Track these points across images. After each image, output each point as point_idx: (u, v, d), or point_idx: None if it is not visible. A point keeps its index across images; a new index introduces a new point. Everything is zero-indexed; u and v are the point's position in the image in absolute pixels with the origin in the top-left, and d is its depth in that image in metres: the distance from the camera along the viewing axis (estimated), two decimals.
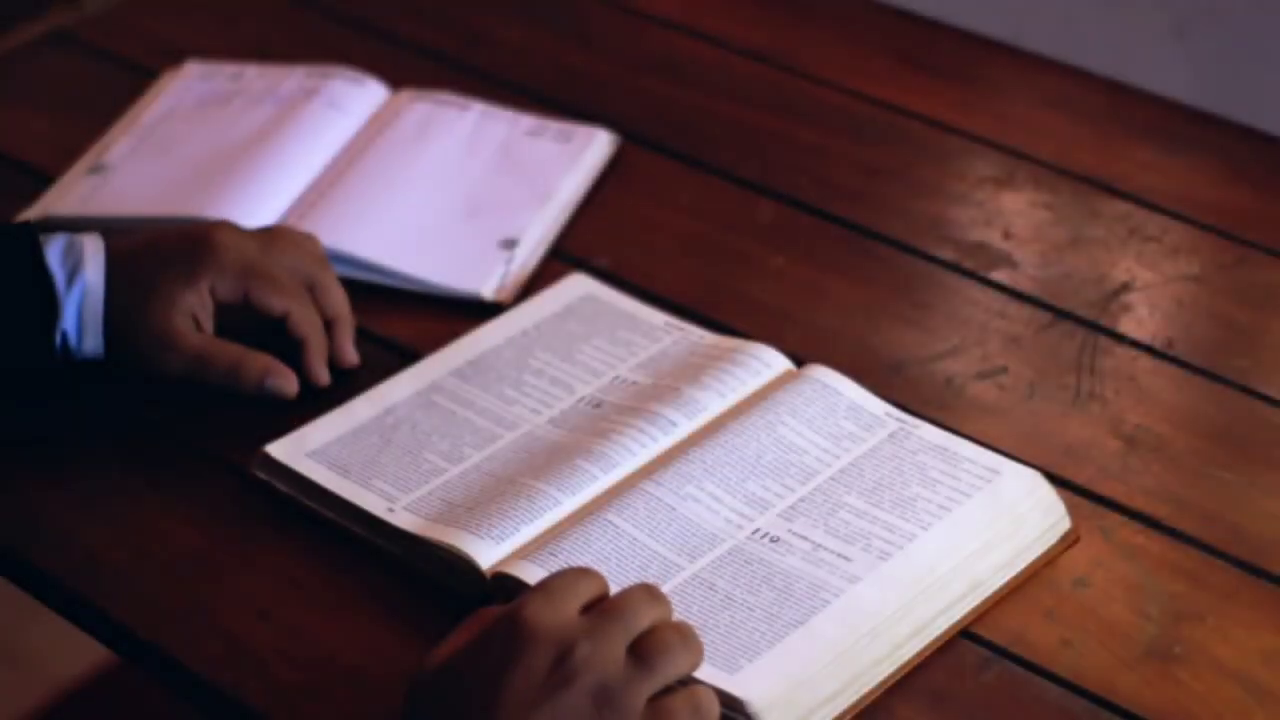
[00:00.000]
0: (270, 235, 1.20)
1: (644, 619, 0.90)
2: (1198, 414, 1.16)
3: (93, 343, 1.14)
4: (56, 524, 1.10)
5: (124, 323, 1.14)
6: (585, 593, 0.91)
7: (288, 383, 1.15)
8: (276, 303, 1.16)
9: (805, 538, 1.03)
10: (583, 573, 0.93)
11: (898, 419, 1.11)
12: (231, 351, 1.15)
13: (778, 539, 1.04)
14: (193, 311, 1.15)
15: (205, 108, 1.42)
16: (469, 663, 0.89)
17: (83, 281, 1.13)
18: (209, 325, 1.16)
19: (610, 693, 0.88)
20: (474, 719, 0.87)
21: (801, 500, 1.06)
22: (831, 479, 1.07)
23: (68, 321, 1.13)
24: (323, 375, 1.17)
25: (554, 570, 0.99)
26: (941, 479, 1.07)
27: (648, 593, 0.92)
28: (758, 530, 1.04)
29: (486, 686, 0.87)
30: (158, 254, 1.16)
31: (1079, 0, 2.27)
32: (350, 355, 1.19)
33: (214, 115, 1.41)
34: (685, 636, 0.91)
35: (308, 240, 1.21)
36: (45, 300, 1.13)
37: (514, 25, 1.54)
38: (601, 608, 0.91)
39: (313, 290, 1.19)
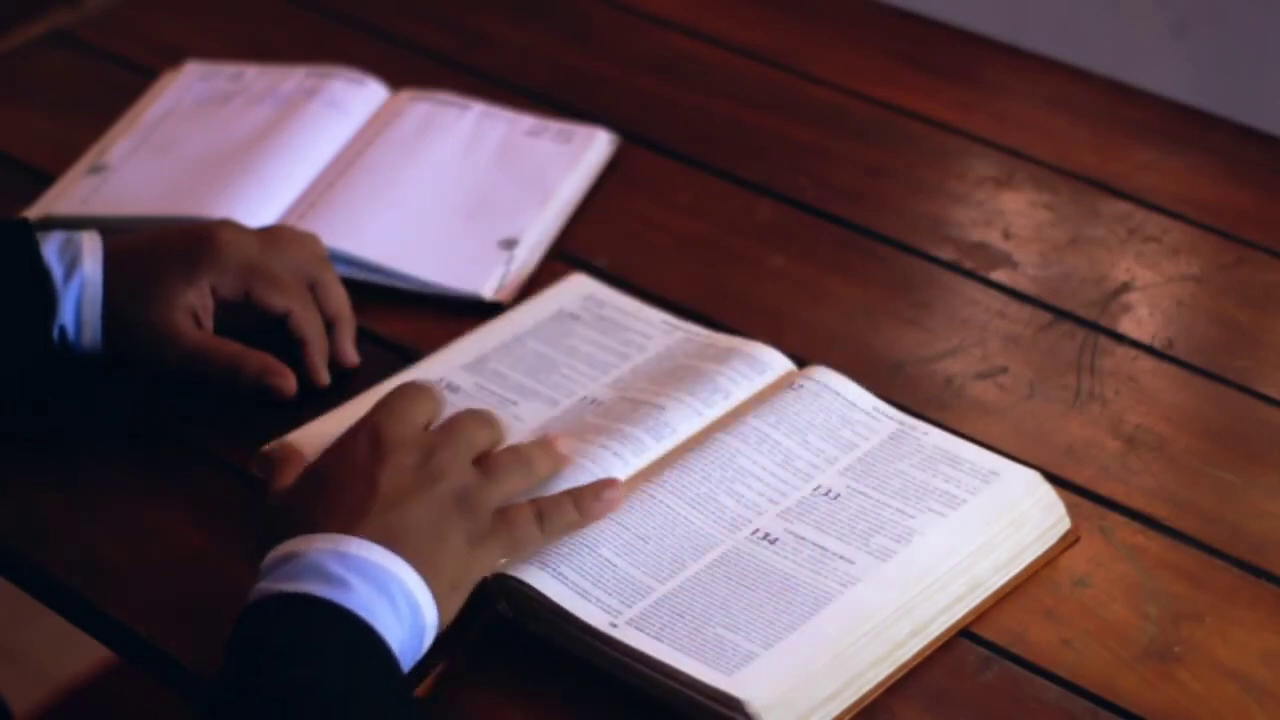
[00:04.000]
0: (272, 234, 1.20)
1: (480, 437, 1.02)
2: (1198, 414, 1.16)
3: (91, 337, 1.14)
4: (56, 524, 1.10)
5: (123, 318, 1.14)
6: (424, 412, 1.02)
7: (286, 382, 1.15)
8: (278, 301, 1.16)
9: (804, 538, 1.03)
10: (420, 391, 1.03)
11: (898, 420, 1.11)
12: (230, 349, 1.15)
13: (776, 539, 1.04)
14: (193, 309, 1.15)
15: (205, 108, 1.42)
16: (334, 469, 0.99)
17: (80, 276, 1.13)
18: (209, 323, 1.16)
19: (466, 494, 0.99)
20: (355, 514, 0.96)
21: (801, 501, 1.06)
22: (831, 480, 1.07)
23: (66, 316, 1.13)
24: (323, 375, 1.17)
25: (560, 577, 1.00)
26: (941, 480, 1.07)
27: (477, 416, 1.03)
28: (757, 531, 1.04)
29: (361, 482, 0.97)
30: (159, 251, 1.16)
31: (1079, 0, 2.27)
32: (351, 355, 1.19)
33: (214, 115, 1.41)
34: (521, 458, 1.03)
35: (309, 239, 1.21)
36: (43, 294, 1.13)
37: (514, 25, 1.54)
38: (442, 425, 1.02)
39: (314, 289, 1.19)
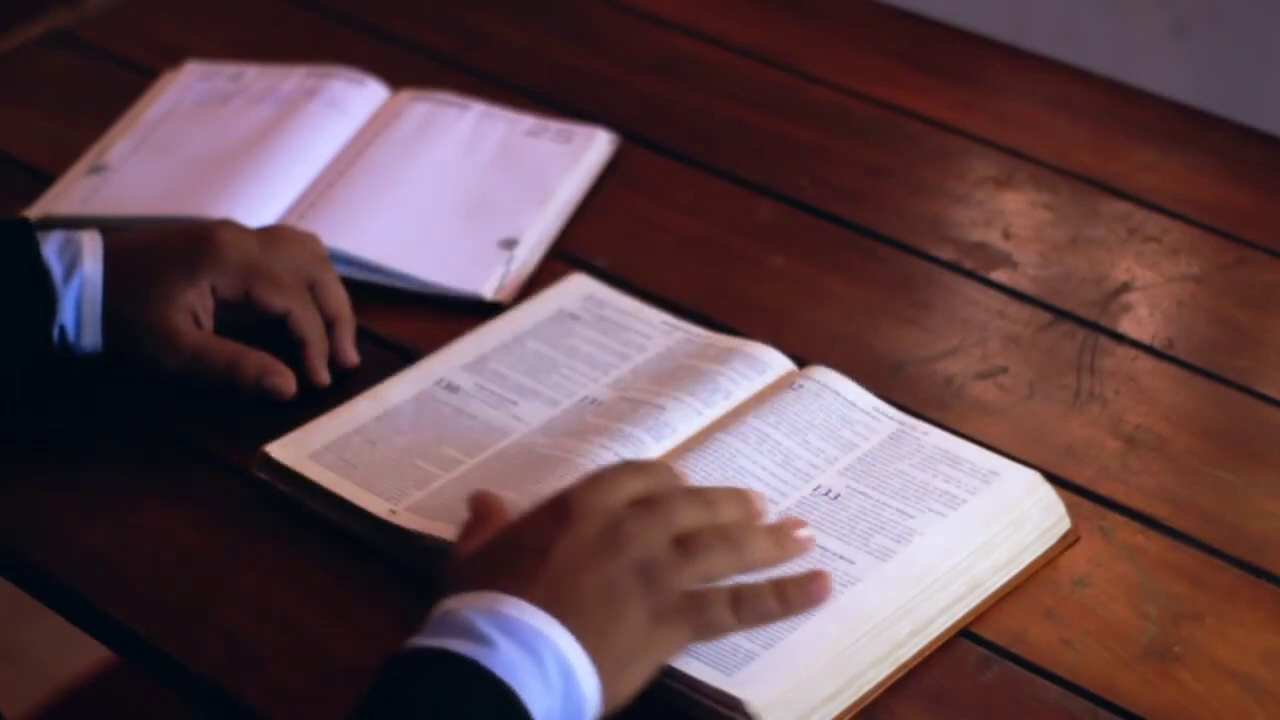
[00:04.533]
0: (272, 234, 1.20)
1: (687, 515, 0.95)
2: (1198, 414, 1.16)
3: (91, 337, 1.14)
4: (56, 524, 1.10)
5: (123, 318, 1.14)
6: (631, 486, 0.96)
7: (286, 382, 1.15)
8: (277, 301, 1.16)
9: None
10: (631, 467, 0.98)
11: (898, 420, 1.11)
12: (230, 349, 1.15)
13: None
14: (193, 309, 1.15)
15: (205, 108, 1.42)
16: (516, 536, 0.95)
17: (80, 275, 1.13)
18: (209, 323, 1.16)
19: (653, 569, 0.92)
20: (522, 578, 0.91)
21: (801, 501, 1.06)
22: (831, 480, 1.07)
23: (66, 316, 1.13)
24: (323, 375, 1.17)
25: None
26: (942, 479, 1.07)
27: (693, 493, 0.97)
28: None
29: (535, 550, 0.92)
30: (159, 251, 1.16)
31: (1079, 0, 2.27)
32: (351, 355, 1.19)
33: (214, 115, 1.41)
34: (730, 540, 0.95)
35: (309, 239, 1.21)
36: (43, 294, 1.13)
37: (514, 25, 1.54)
38: (646, 498, 0.96)
39: (314, 289, 1.19)
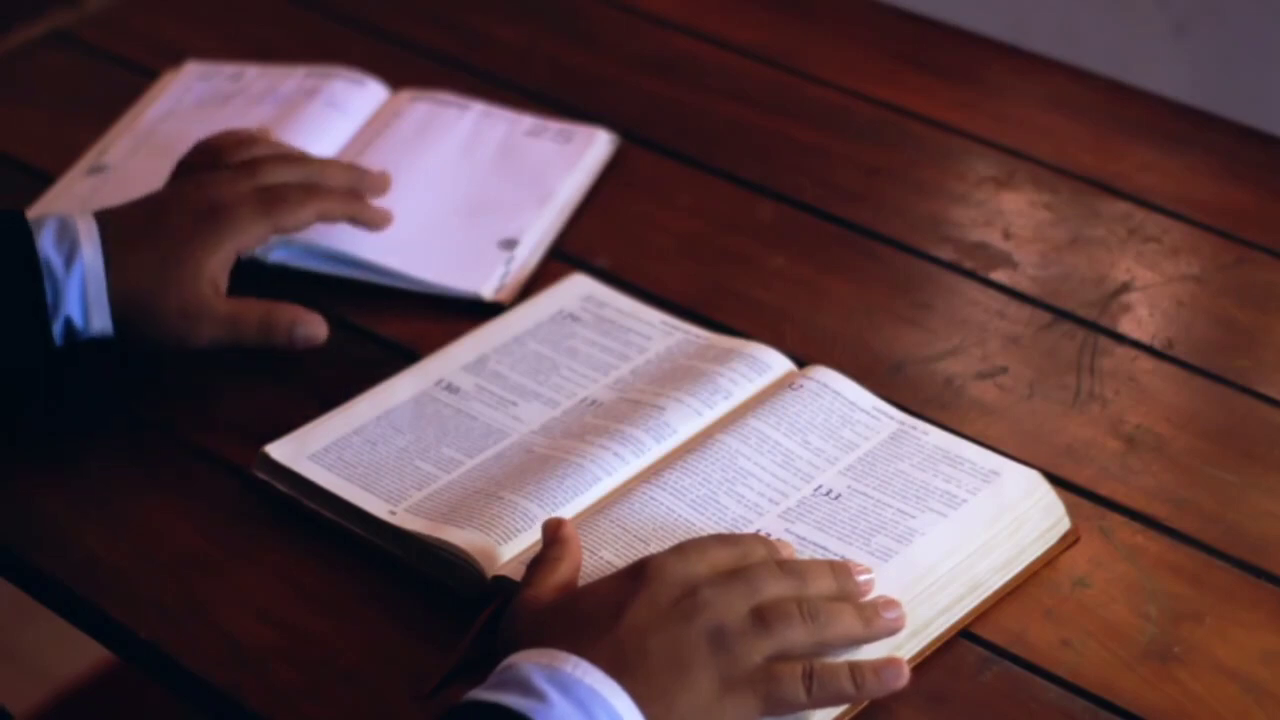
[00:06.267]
0: (250, 165, 1.22)
1: (773, 586, 0.94)
2: (1198, 414, 1.16)
3: (100, 322, 1.13)
4: (56, 524, 1.10)
5: (141, 303, 1.13)
6: (717, 557, 0.95)
7: (317, 327, 1.16)
8: (308, 209, 1.20)
9: (805, 539, 1.03)
10: (720, 537, 0.98)
11: (898, 419, 1.11)
12: (258, 307, 1.16)
13: (778, 540, 1.04)
14: (215, 280, 1.15)
15: (205, 108, 1.42)
16: (590, 596, 0.94)
17: (81, 264, 1.13)
18: (225, 288, 1.16)
19: (726, 637, 0.91)
20: (589, 637, 0.90)
21: (802, 501, 1.06)
22: (832, 480, 1.07)
23: (71, 306, 1.13)
24: (379, 218, 1.24)
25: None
26: (942, 480, 1.07)
27: (784, 565, 0.96)
28: (758, 531, 1.04)
29: (606, 611, 0.92)
30: (172, 234, 1.15)
31: (1079, 0, 2.27)
32: (376, 174, 1.26)
33: (214, 115, 1.41)
34: (812, 613, 0.94)
35: (271, 143, 1.25)
36: (42, 287, 1.12)
37: (514, 25, 1.54)
38: (729, 570, 0.95)
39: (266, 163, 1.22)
